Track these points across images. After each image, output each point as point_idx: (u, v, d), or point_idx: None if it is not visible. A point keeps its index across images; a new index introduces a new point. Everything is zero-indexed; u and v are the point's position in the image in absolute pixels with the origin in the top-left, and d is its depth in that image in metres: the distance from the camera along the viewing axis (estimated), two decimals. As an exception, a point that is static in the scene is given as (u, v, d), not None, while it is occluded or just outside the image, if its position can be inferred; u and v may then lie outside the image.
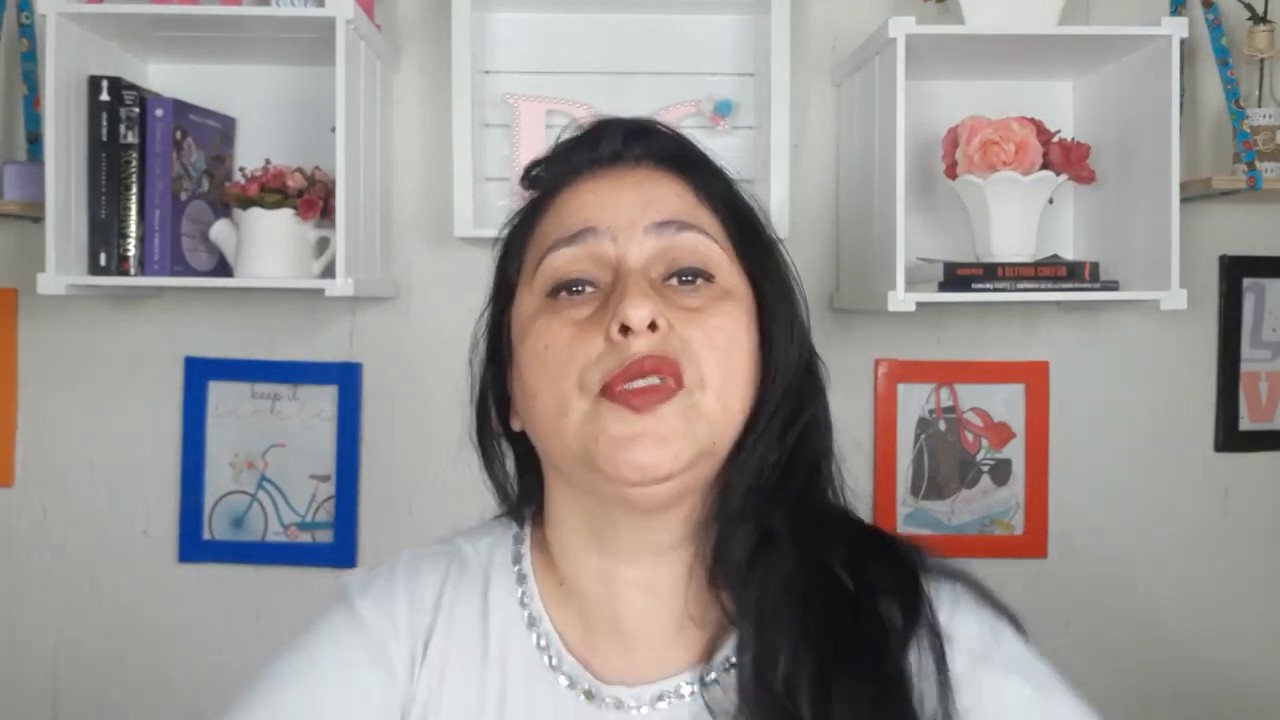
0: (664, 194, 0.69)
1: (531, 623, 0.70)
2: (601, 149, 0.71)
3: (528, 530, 0.75)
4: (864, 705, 0.62)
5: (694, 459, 0.64)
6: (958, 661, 0.66)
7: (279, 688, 0.68)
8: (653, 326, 0.63)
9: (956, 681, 0.65)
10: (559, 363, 0.64)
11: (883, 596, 0.67)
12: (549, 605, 0.71)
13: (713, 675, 0.67)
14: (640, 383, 0.63)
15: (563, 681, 0.68)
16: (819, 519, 0.69)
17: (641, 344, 0.63)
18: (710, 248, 0.68)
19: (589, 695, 0.67)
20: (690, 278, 0.67)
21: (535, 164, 0.75)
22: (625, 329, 0.63)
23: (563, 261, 0.67)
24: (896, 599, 0.67)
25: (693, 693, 0.67)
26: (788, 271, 0.72)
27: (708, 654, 0.67)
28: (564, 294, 0.67)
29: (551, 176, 0.73)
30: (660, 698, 0.67)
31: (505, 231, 0.75)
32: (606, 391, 0.63)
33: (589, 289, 0.67)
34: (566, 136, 0.74)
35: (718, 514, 0.67)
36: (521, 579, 0.72)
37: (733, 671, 0.66)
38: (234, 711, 0.67)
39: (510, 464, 0.76)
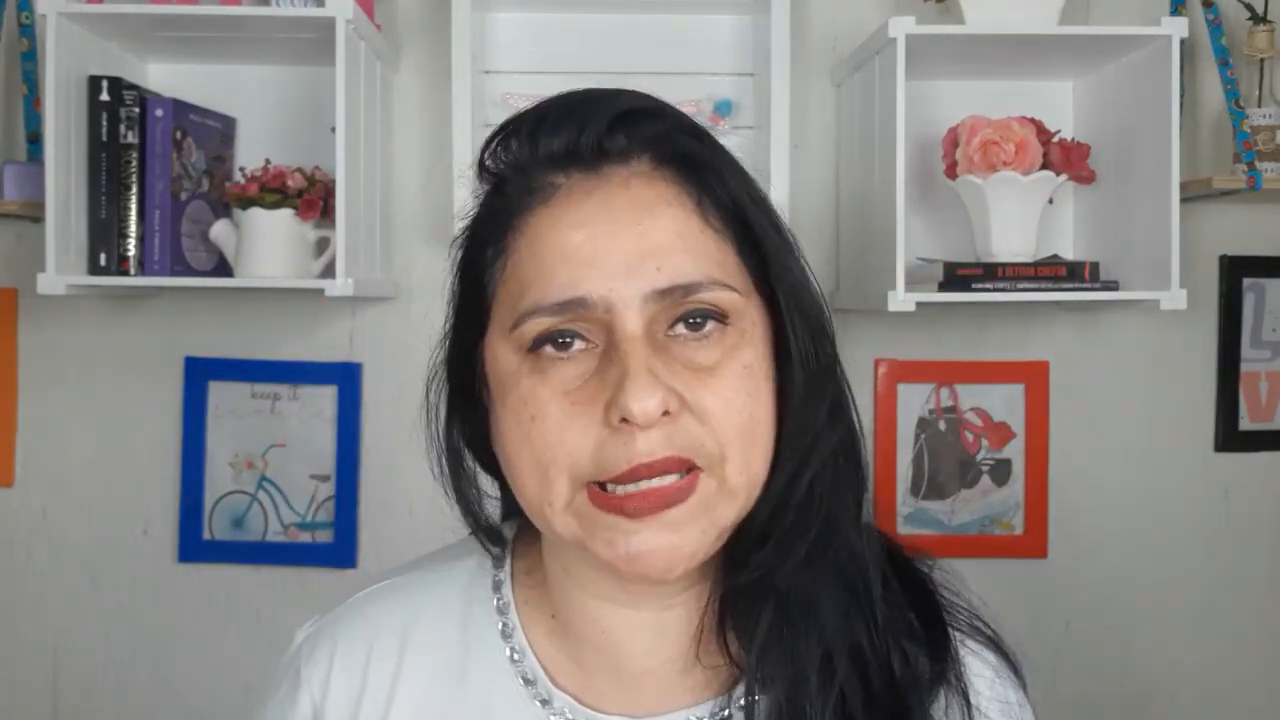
0: (663, 235, 0.56)
1: (515, 658, 0.63)
2: (582, 138, 0.58)
3: (508, 555, 0.67)
4: None
5: (715, 541, 0.57)
6: None
7: None
8: (665, 413, 0.54)
9: None
10: (545, 442, 0.55)
11: (907, 639, 0.62)
12: (535, 638, 0.64)
13: (727, 713, 0.61)
14: (646, 484, 0.55)
15: (555, 716, 0.62)
16: (844, 554, 0.61)
17: (652, 439, 0.54)
18: (721, 297, 0.57)
19: None
20: (699, 321, 0.57)
21: (498, 136, 0.61)
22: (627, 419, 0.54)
23: (545, 328, 0.56)
24: (924, 646, 0.62)
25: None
26: (803, 282, 0.61)
27: (719, 689, 0.62)
28: (549, 348, 0.56)
29: (522, 173, 0.59)
30: None
31: (463, 237, 0.63)
32: (600, 493, 0.55)
33: (578, 343, 0.56)
34: (532, 119, 0.60)
35: (725, 564, 0.61)
36: (503, 610, 0.65)
37: (741, 714, 0.61)
38: None
39: (478, 488, 0.67)
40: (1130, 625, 1.78)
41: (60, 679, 1.72)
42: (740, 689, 0.60)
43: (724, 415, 0.55)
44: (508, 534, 0.69)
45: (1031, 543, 1.78)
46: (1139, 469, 1.79)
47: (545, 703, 0.62)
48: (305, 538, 1.75)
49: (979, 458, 1.79)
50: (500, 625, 0.64)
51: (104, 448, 1.76)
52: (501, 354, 0.58)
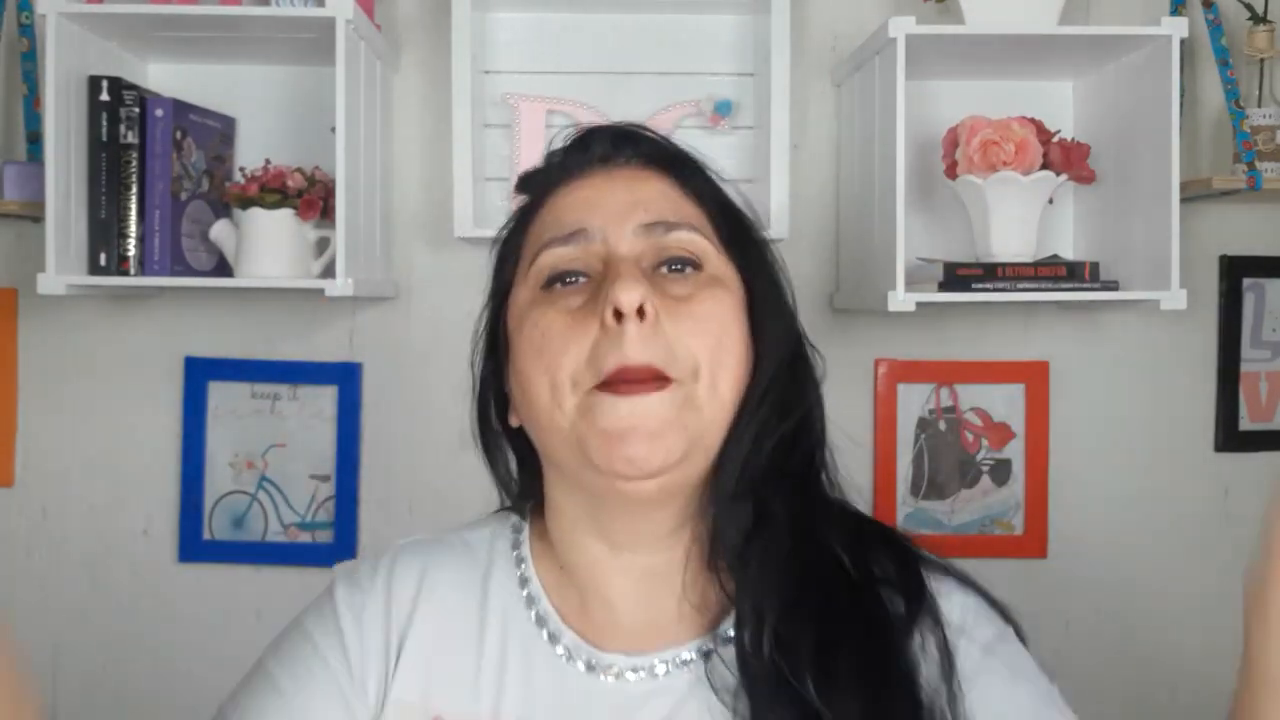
0: (651, 193, 0.71)
1: (530, 602, 0.72)
2: (592, 151, 0.74)
3: (527, 522, 0.77)
4: (870, 680, 0.64)
5: (686, 450, 0.66)
6: (969, 653, 0.68)
7: (262, 687, 0.71)
8: (641, 313, 0.64)
9: (963, 674, 0.66)
10: (553, 352, 0.66)
11: (883, 584, 0.69)
12: (548, 588, 0.73)
13: (712, 648, 0.69)
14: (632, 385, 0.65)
15: (561, 653, 0.70)
16: (816, 503, 0.71)
17: (635, 342, 0.64)
18: (698, 241, 0.70)
19: (589, 666, 0.69)
20: (679, 266, 0.69)
21: (530, 172, 0.77)
22: (618, 314, 0.64)
23: (556, 258, 0.69)
24: (898, 587, 0.69)
25: (691, 663, 0.68)
26: (775, 263, 0.74)
27: (709, 629, 0.69)
28: (558, 285, 0.69)
29: (544, 180, 0.75)
30: (659, 667, 0.69)
31: (501, 234, 0.77)
32: (599, 385, 0.65)
33: (582, 279, 0.68)
34: (558, 145, 0.77)
35: (713, 496, 0.69)
36: (520, 562, 0.74)
37: (732, 645, 0.67)
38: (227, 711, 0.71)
39: (511, 460, 0.78)
40: (1130, 625, 1.78)
41: (60, 679, 1.72)
42: (726, 622, 0.69)
43: (695, 333, 0.66)
44: (526, 509, 0.79)
45: (1031, 543, 1.78)
46: (1139, 469, 1.79)
47: (554, 639, 0.70)
48: (305, 538, 1.75)
49: (979, 458, 1.79)
50: (518, 574, 0.74)
51: (104, 448, 1.76)
52: (521, 296, 0.71)
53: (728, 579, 0.68)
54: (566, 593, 0.72)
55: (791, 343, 0.73)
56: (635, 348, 0.64)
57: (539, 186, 0.75)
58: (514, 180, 0.78)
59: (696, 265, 0.69)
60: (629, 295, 0.64)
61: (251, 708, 0.70)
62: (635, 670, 0.69)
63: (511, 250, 0.75)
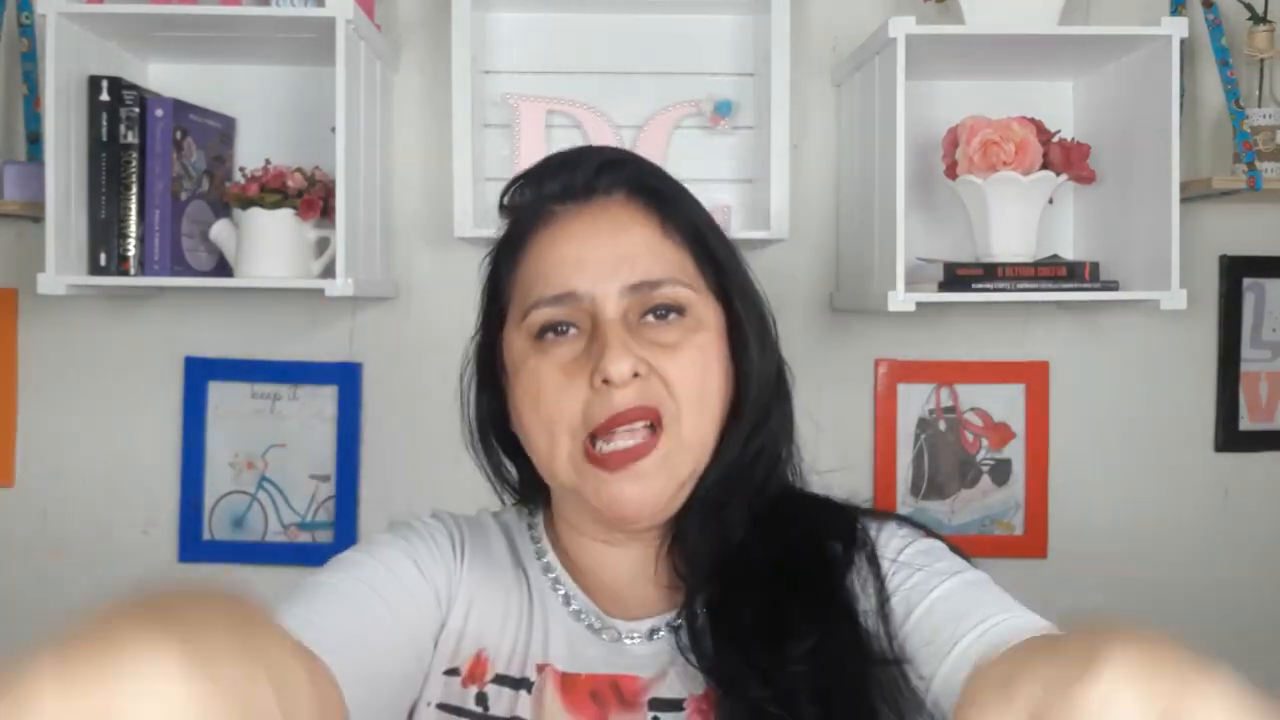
0: (635, 246, 0.74)
1: (547, 569, 0.80)
2: (576, 178, 0.77)
3: (540, 513, 0.84)
4: (813, 618, 0.70)
5: (676, 492, 0.73)
6: (886, 565, 0.74)
7: (357, 558, 0.75)
8: (635, 375, 0.70)
9: (886, 575, 0.73)
10: (548, 408, 0.72)
11: (826, 538, 0.75)
12: (562, 560, 0.80)
13: (679, 622, 0.75)
14: (624, 433, 0.71)
15: (574, 609, 0.77)
16: (770, 493, 0.78)
17: (626, 395, 0.70)
18: (680, 293, 0.74)
19: (593, 628, 0.76)
20: (664, 312, 0.73)
21: (513, 184, 0.80)
22: (607, 380, 0.70)
23: (546, 316, 0.73)
24: (838, 538, 0.75)
25: (678, 623, 0.75)
26: (753, 288, 0.79)
27: (678, 604, 0.76)
28: (550, 334, 0.73)
29: (528, 206, 0.78)
30: (651, 633, 0.76)
31: (489, 258, 0.81)
32: (590, 455, 0.71)
33: (572, 330, 0.73)
34: (539, 164, 0.80)
35: (685, 502, 0.75)
36: (536, 539, 0.82)
37: (700, 618, 0.74)
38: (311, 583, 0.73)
39: (510, 466, 0.84)
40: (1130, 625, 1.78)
41: (60, 679, 1.72)
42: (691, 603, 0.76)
43: (681, 381, 0.72)
44: (538, 500, 0.85)
45: (1031, 543, 1.78)
46: (1139, 469, 1.79)
47: (568, 600, 0.78)
48: (305, 538, 1.75)
49: (979, 458, 1.79)
50: (535, 548, 0.81)
51: (104, 448, 1.76)
52: (515, 342, 0.75)
53: (684, 566, 0.76)
54: (571, 571, 0.80)
55: (771, 370, 0.78)
56: (624, 400, 0.70)
57: (523, 220, 0.78)
58: (521, 165, 0.82)
59: (680, 311, 0.74)
60: (618, 368, 0.69)
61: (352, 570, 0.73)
62: (631, 635, 0.76)
63: (503, 282, 0.78)
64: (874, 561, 0.74)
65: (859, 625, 0.71)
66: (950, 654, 0.66)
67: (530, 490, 0.84)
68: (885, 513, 0.80)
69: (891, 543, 0.76)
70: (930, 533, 0.78)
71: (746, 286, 0.78)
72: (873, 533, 0.77)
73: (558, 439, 0.72)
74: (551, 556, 0.80)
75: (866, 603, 0.72)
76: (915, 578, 0.73)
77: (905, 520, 0.79)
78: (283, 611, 0.66)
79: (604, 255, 0.74)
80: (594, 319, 0.72)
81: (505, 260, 0.79)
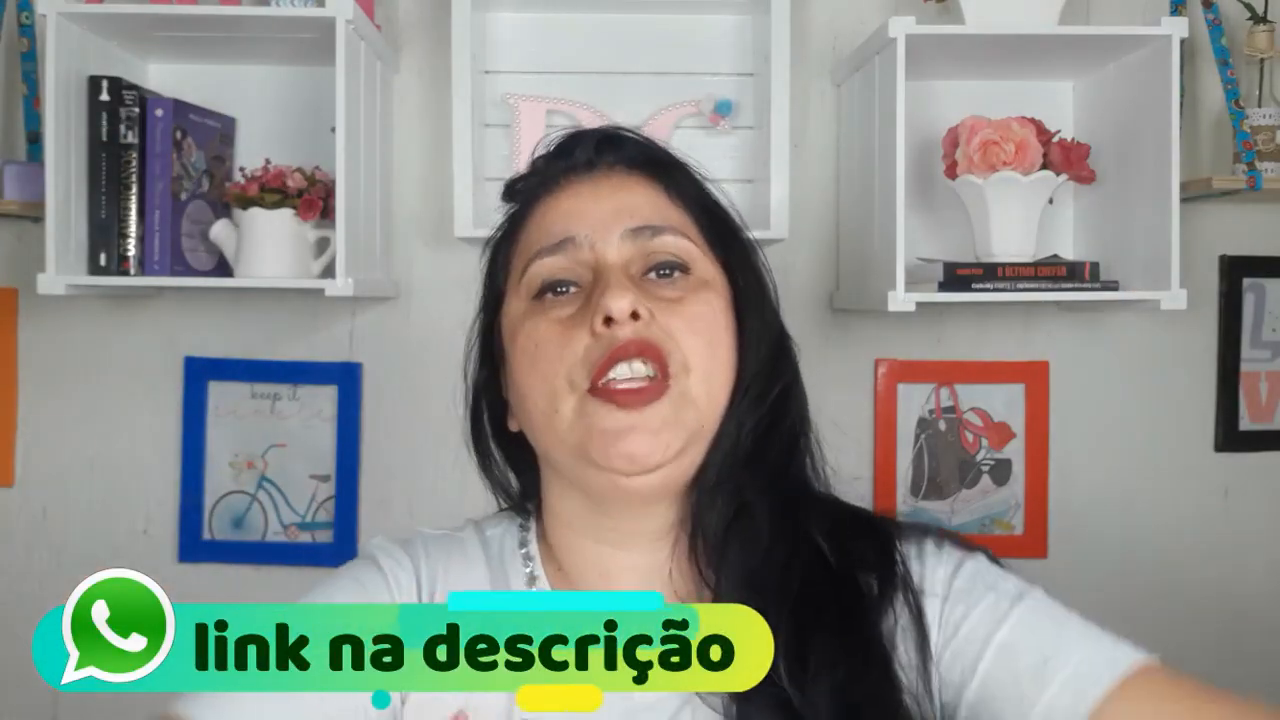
0: (636, 199, 0.73)
1: (535, 589, 0.75)
2: (576, 157, 0.75)
3: (532, 522, 0.78)
4: (841, 670, 0.64)
5: (684, 445, 0.68)
6: (931, 607, 0.69)
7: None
8: (634, 316, 0.67)
9: (930, 626, 0.68)
10: (547, 360, 0.68)
11: (860, 568, 0.70)
12: (551, 578, 0.75)
13: None
14: (626, 371, 0.66)
15: None
16: (796, 492, 0.72)
17: (625, 331, 0.66)
18: (684, 245, 0.72)
19: None
20: (668, 271, 0.71)
21: (516, 179, 0.78)
22: (608, 320, 0.66)
23: (545, 268, 0.71)
24: (874, 570, 0.70)
25: None
26: (758, 260, 0.76)
27: None
28: (549, 295, 0.70)
29: (531, 188, 0.76)
30: None
31: (490, 242, 0.79)
32: (594, 388, 0.67)
33: (573, 289, 0.70)
34: (541, 151, 0.78)
35: (695, 488, 0.70)
36: (527, 560, 0.76)
37: None
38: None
39: (504, 464, 0.80)
40: (1130, 625, 1.78)
41: (60, 679, 1.72)
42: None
43: (687, 333, 0.68)
44: (530, 507, 0.80)
45: (1031, 543, 1.78)
46: (1139, 469, 1.79)
47: None
48: (305, 538, 1.75)
49: (979, 458, 1.79)
50: (526, 572, 0.75)
51: (104, 448, 1.76)
52: (513, 307, 0.72)
53: (708, 570, 0.69)
54: (564, 587, 0.74)
55: (774, 338, 0.74)
56: (626, 333, 0.66)
57: (525, 194, 0.76)
58: (521, 165, 0.80)
59: (684, 269, 0.71)
60: (618, 303, 0.66)
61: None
62: None
63: (501, 259, 0.76)
64: (914, 602, 0.68)
65: (890, 677, 0.66)
66: (1035, 711, 0.63)
67: (527, 496, 0.79)
68: (917, 526, 0.75)
69: (937, 572, 0.70)
70: (969, 544, 0.73)
71: (749, 255, 0.76)
72: (911, 559, 0.71)
73: (558, 392, 0.68)
74: (544, 584, 0.74)
75: (905, 655, 0.67)
76: (971, 620, 0.67)
77: (940, 534, 0.73)
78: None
79: (605, 206, 0.72)
80: (595, 269, 0.70)
81: (504, 239, 0.77)
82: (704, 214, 0.75)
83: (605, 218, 0.71)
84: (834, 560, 0.69)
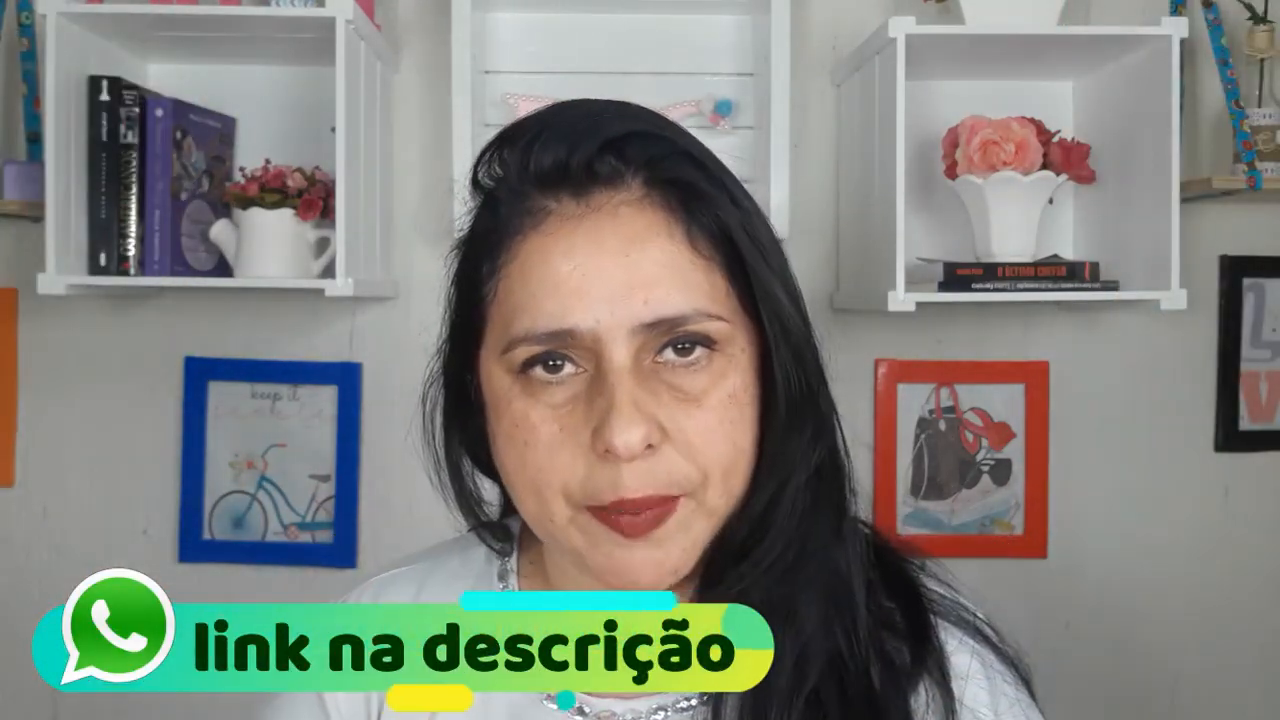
0: (651, 267, 0.58)
1: None
2: (574, 156, 0.59)
3: (515, 547, 0.71)
4: None
5: (695, 556, 0.60)
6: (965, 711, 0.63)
7: None
8: (648, 446, 0.57)
9: None
10: (540, 466, 0.58)
11: (889, 632, 0.63)
12: None
13: (693, 702, 0.63)
14: (640, 517, 0.58)
15: (550, 703, 0.64)
16: (826, 550, 0.64)
17: (636, 473, 0.57)
18: (708, 326, 0.58)
19: (581, 712, 0.64)
20: (688, 347, 0.58)
21: (490, 150, 0.64)
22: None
23: (534, 353, 0.58)
24: (905, 638, 0.63)
25: (693, 709, 0.63)
26: (789, 303, 0.63)
27: None
28: (539, 369, 0.58)
29: (513, 194, 0.61)
30: (656, 711, 0.64)
31: (458, 247, 0.66)
32: (598, 515, 0.58)
33: (567, 366, 0.58)
34: (521, 143, 0.61)
35: (703, 576, 0.62)
36: None
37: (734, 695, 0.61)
38: None
39: (484, 482, 0.70)
40: (1130, 625, 1.78)
41: (60, 679, 1.72)
42: None
43: (707, 446, 0.58)
44: (514, 528, 0.71)
45: (1031, 543, 1.78)
46: (1139, 469, 1.79)
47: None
48: (305, 538, 1.75)
49: (979, 458, 1.79)
50: None
51: (104, 448, 1.76)
52: (495, 374, 0.60)
53: None
54: None
55: (811, 396, 0.63)
56: (635, 480, 0.57)
57: (507, 196, 0.62)
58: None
59: (708, 345, 0.59)
60: (625, 439, 0.55)
61: None
62: (632, 715, 0.64)
63: (481, 283, 0.62)
64: (945, 688, 0.62)
65: None
66: None
67: (509, 510, 0.71)
68: (956, 611, 0.66)
69: (971, 685, 0.63)
70: (1011, 658, 0.65)
71: (785, 312, 0.62)
72: (944, 644, 0.63)
73: (550, 504, 0.59)
74: None
75: None
76: None
77: (978, 632, 0.65)
78: None
79: (612, 280, 0.57)
80: (597, 359, 0.57)
81: (482, 260, 0.62)
82: (733, 259, 0.60)
83: (611, 300, 0.57)
84: (865, 631, 0.62)
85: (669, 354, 0.58)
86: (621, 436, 0.55)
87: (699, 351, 0.59)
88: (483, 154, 0.64)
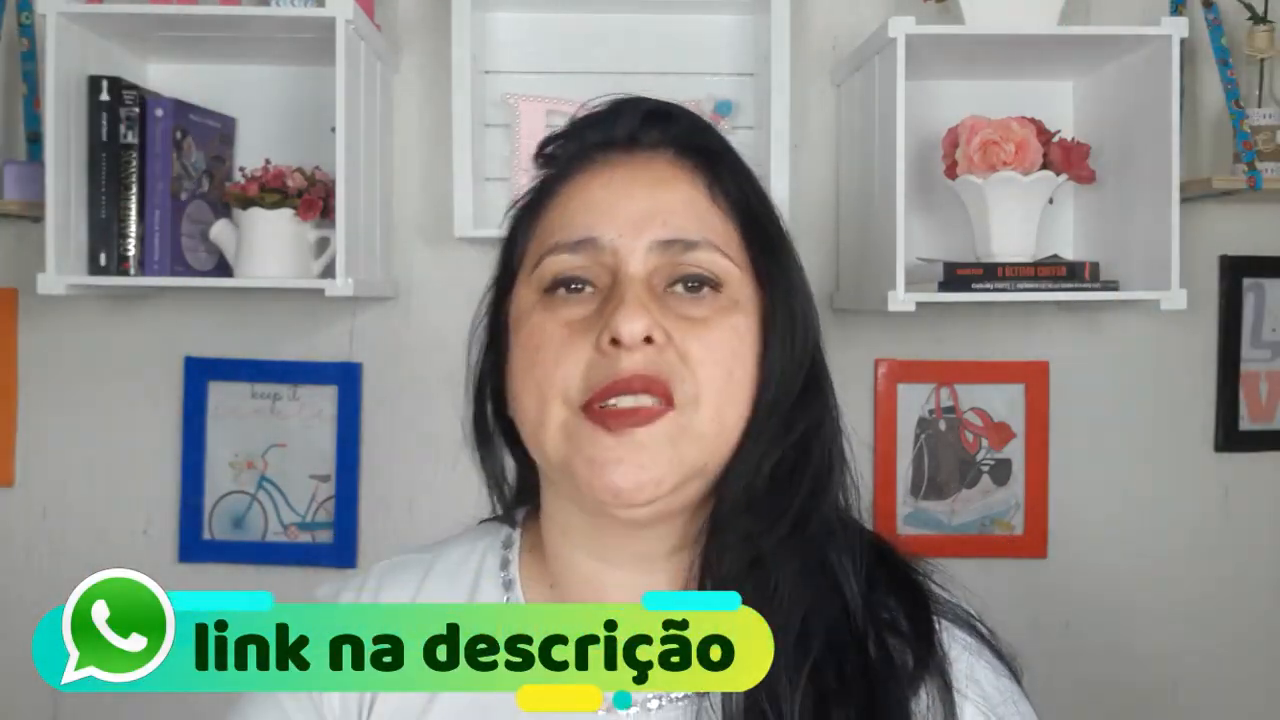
0: (674, 201, 0.65)
1: None
2: (618, 129, 0.68)
3: (518, 534, 0.73)
4: None
5: (680, 482, 0.62)
6: (968, 715, 0.64)
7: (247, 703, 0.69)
8: (648, 340, 0.61)
9: None
10: (545, 367, 0.62)
11: (891, 632, 0.64)
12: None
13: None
14: (627, 400, 0.61)
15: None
16: (822, 537, 0.65)
17: (634, 359, 0.60)
18: (718, 262, 0.64)
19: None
20: (696, 285, 0.64)
21: (550, 140, 0.71)
22: (616, 341, 0.61)
23: (560, 265, 0.64)
24: (908, 640, 0.64)
25: (685, 700, 0.64)
26: (796, 276, 0.68)
27: None
28: (562, 290, 0.64)
29: (564, 156, 0.69)
30: (651, 701, 0.64)
31: (513, 209, 0.71)
32: (588, 408, 0.61)
33: (588, 288, 0.64)
34: (582, 113, 0.71)
35: (709, 522, 0.65)
36: (508, 585, 0.70)
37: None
38: None
39: (508, 459, 0.74)
40: (1130, 625, 1.78)
41: (60, 679, 1.72)
42: None
43: (705, 361, 0.62)
44: (519, 518, 0.75)
45: (1031, 543, 1.78)
46: (1139, 469, 1.79)
47: None
48: (305, 538, 1.75)
49: (979, 458, 1.79)
50: (505, 600, 0.70)
51: (104, 448, 1.76)
52: (523, 295, 0.66)
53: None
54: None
55: (804, 365, 0.67)
56: (631, 364, 0.60)
57: (558, 162, 0.70)
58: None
59: (715, 285, 0.64)
60: (631, 325, 0.60)
61: None
62: (636, 704, 0.64)
63: (521, 234, 0.69)
64: (947, 690, 0.63)
65: None
66: None
67: (525, 494, 0.74)
68: (952, 607, 0.68)
69: (982, 685, 0.64)
70: (1008, 659, 0.67)
71: (788, 273, 0.68)
72: (945, 636, 0.65)
73: (549, 404, 0.62)
74: (519, 597, 0.69)
75: None
76: None
77: (986, 636, 0.67)
78: None
79: (637, 206, 0.64)
80: (614, 275, 0.63)
81: (528, 210, 0.69)
82: (748, 221, 0.67)
83: (635, 220, 0.64)
84: (863, 623, 0.63)
85: (679, 288, 0.64)
86: (627, 324, 0.60)
87: (706, 290, 0.64)
88: (548, 139, 0.72)
